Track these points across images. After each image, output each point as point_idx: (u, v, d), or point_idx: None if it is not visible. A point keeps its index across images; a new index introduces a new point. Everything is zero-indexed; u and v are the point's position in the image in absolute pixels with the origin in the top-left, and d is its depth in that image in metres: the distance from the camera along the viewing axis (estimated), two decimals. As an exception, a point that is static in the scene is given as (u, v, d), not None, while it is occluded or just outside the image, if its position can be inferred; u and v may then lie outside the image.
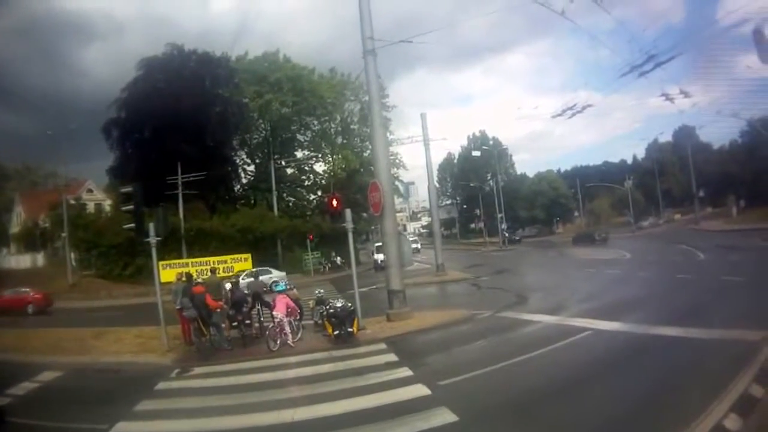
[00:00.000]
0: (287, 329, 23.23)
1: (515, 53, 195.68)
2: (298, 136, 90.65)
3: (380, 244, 57.65)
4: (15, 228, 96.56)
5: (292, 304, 24.02)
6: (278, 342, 22.91)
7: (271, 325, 23.62)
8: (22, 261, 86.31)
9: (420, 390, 14.63)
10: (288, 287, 26.93)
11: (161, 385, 18.88)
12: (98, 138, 75.63)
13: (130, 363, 23.11)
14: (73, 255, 69.36)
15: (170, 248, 59.79)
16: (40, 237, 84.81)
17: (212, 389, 17.86)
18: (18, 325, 36.73)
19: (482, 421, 11.89)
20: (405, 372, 16.99)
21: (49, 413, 16.03)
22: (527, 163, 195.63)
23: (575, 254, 64.68)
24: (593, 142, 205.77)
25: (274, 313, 23.43)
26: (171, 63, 74.66)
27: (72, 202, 74.11)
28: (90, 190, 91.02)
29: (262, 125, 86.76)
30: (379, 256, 59.31)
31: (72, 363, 23.59)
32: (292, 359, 21.00)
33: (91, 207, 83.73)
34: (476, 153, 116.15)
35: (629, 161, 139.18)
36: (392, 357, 19.61)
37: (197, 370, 21.01)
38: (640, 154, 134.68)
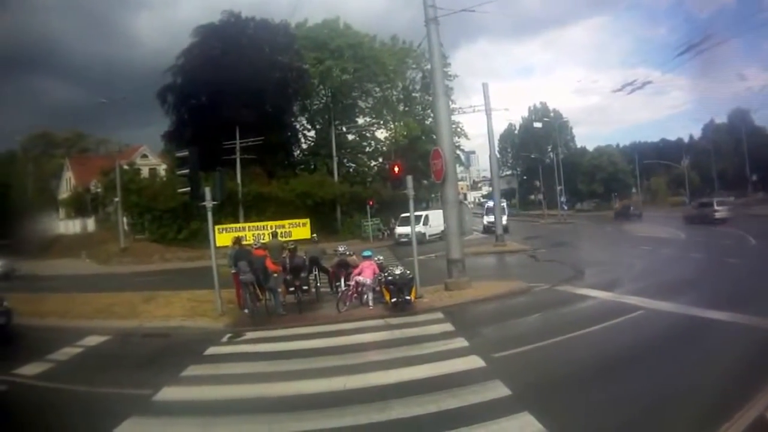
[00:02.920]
0: (370, 294, 23.62)
1: (574, 27, 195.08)
2: (360, 103, 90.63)
3: (405, 215, 56.46)
4: (64, 194, 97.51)
5: (378, 270, 24.26)
6: (347, 304, 23.26)
7: (343, 288, 24.19)
8: (71, 226, 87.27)
9: (474, 362, 14.51)
10: (348, 253, 26.85)
11: (211, 350, 18.91)
12: (152, 105, 76.38)
13: (179, 327, 23.16)
14: (125, 219, 70.12)
15: (227, 212, 60.50)
16: (91, 202, 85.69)
17: (264, 355, 17.85)
18: (66, 290, 36.71)
19: (534, 396, 11.57)
20: (460, 342, 16.85)
21: (91, 378, 16.01)
22: (585, 137, 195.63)
23: (631, 231, 63.66)
24: (649, 119, 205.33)
25: (360, 278, 23.66)
26: (228, 30, 74.75)
27: (125, 167, 74.77)
28: (145, 156, 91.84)
29: (323, 91, 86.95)
30: (401, 230, 59.76)
31: (119, 327, 23.74)
32: (348, 326, 20.97)
33: (145, 172, 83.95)
34: (537, 124, 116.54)
35: (685, 140, 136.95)
36: (448, 327, 19.45)
37: (249, 335, 21.05)
38: (696, 134, 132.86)
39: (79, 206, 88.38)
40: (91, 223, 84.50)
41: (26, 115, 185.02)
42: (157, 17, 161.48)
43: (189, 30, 75.01)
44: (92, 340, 21.66)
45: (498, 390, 12.07)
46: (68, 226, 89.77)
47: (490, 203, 70.31)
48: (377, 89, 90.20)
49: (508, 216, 65.37)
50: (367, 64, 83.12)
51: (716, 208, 63.90)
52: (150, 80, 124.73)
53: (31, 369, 17.57)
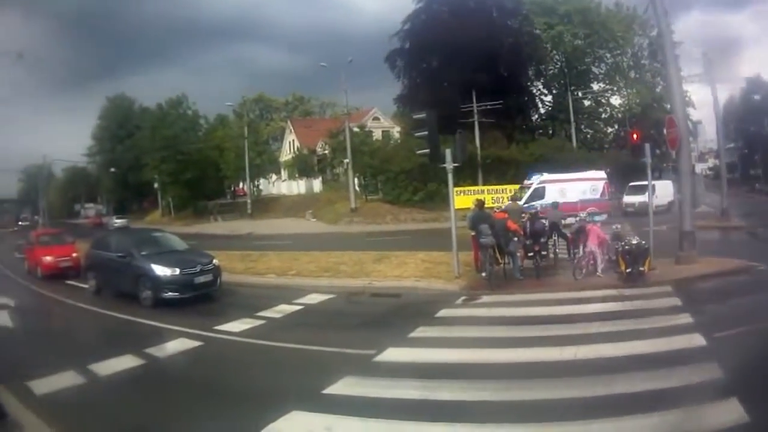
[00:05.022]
0: (598, 260, 23.51)
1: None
2: (593, 69, 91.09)
3: (633, 183, 54.39)
4: (286, 156, 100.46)
5: (603, 236, 24.12)
6: (583, 272, 23.16)
7: (580, 254, 24.16)
8: (295, 187, 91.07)
9: (696, 340, 14.03)
10: (587, 220, 26.57)
11: (443, 312, 18.97)
12: (377, 69, 78.59)
13: (412, 288, 23.49)
14: (356, 180, 71.85)
15: (465, 175, 60.44)
16: (318, 163, 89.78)
17: (497, 319, 17.78)
18: (290, 249, 38.31)
19: (746, 381, 10.90)
20: (685, 319, 16.32)
21: (305, 336, 16.61)
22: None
23: None
24: None
25: (589, 244, 23.69)
26: (453, -6, 74.81)
27: (356, 129, 77.11)
28: (376, 118, 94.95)
29: (556, 56, 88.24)
30: (628, 199, 55.65)
31: (345, 286, 24.54)
32: (582, 294, 20.76)
33: (377, 134, 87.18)
34: (757, 96, 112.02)
35: None
36: (676, 301, 18.92)
37: (485, 298, 21.06)
38: None
39: (303, 168, 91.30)
40: (317, 184, 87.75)
41: (240, 81, 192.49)
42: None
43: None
44: (314, 298, 22.51)
45: (713, 371, 11.63)
46: (291, 187, 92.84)
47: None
48: (608, 55, 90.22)
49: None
50: (596, 30, 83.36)
51: None
52: (371, 45, 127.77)
53: (237, 326, 18.60)
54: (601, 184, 48.95)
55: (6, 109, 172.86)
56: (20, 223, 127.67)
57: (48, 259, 34.44)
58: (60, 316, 25.77)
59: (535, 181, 50.84)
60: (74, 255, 34.84)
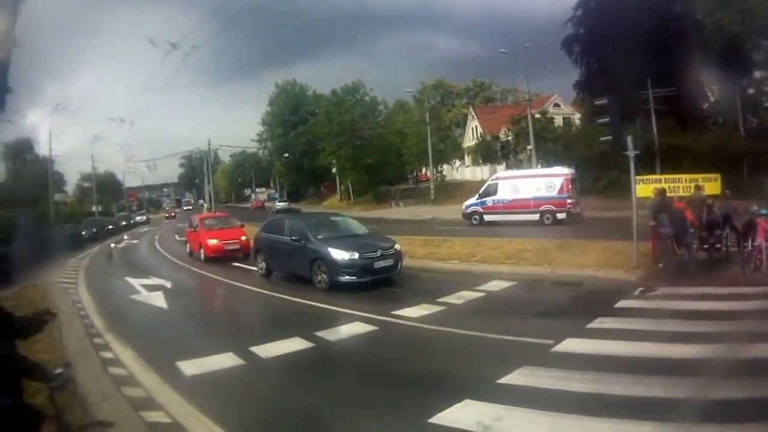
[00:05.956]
0: (764, 255, 22.34)
1: None
2: (753, 56, 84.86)
3: None
4: (470, 141, 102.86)
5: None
6: (752, 266, 22.27)
7: (749, 248, 23.01)
8: (479, 172, 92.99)
9: None
10: (760, 213, 24.52)
11: (622, 303, 18.38)
12: (555, 55, 78.12)
13: (592, 277, 22.94)
14: (539, 167, 70.83)
15: (643, 163, 56.00)
16: (501, 149, 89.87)
17: (672, 312, 17.13)
18: (472, 234, 38.84)
19: None
20: None
21: (485, 323, 16.17)
22: None
23: None
24: None
25: (756, 237, 22.68)
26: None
27: (537, 116, 77.65)
28: (557, 105, 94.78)
29: (720, 43, 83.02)
30: None
31: (527, 273, 24.14)
32: (749, 290, 19.67)
33: (558, 120, 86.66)
34: None
35: None
36: None
37: (661, 290, 20.35)
38: None
39: (487, 154, 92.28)
40: (501, 170, 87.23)
41: (415, 68, 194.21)
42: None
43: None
44: (495, 285, 22.15)
45: None
46: (475, 172, 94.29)
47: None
48: (765, 42, 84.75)
49: None
50: (751, 16, 79.11)
51: None
52: (541, 31, 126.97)
53: (415, 311, 18.24)
54: (559, 181, 48.85)
55: (168, 98, 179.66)
56: (183, 207, 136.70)
57: (213, 242, 35.80)
58: (223, 297, 26.69)
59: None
60: (243, 238, 36.23)
